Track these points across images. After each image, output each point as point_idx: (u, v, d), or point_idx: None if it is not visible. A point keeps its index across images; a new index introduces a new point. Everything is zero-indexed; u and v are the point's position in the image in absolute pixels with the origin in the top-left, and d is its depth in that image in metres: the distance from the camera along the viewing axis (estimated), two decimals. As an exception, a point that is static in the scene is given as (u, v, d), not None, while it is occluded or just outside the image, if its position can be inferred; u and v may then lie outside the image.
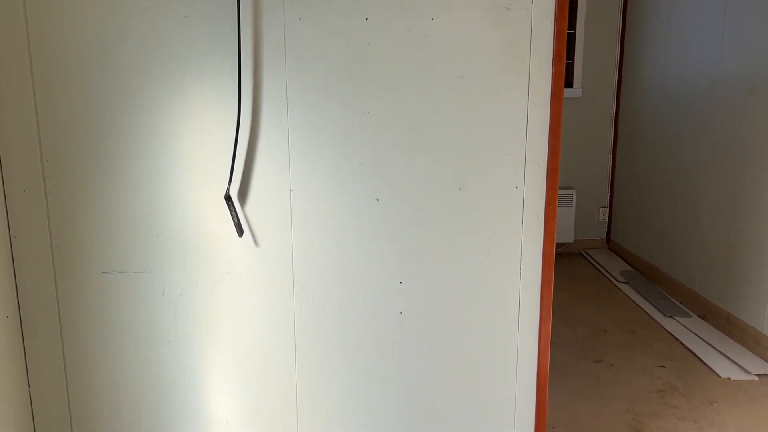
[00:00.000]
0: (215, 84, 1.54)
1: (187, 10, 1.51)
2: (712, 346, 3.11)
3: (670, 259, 3.96)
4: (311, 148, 1.59)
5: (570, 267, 4.50)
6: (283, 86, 1.55)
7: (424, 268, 1.67)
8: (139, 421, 1.71)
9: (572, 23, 4.63)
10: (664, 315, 3.54)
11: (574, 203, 4.76)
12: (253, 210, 1.61)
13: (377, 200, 1.63)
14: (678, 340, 3.22)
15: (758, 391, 2.68)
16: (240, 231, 1.59)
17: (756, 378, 2.79)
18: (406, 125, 1.59)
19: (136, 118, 1.54)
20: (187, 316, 1.66)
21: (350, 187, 1.62)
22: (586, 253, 4.84)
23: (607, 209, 4.92)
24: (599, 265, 4.50)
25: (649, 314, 3.59)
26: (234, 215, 1.58)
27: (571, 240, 4.78)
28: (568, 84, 4.72)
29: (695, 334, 3.28)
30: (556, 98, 1.59)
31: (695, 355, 3.04)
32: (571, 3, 4.52)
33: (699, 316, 3.53)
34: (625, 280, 4.16)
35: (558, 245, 4.86)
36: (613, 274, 4.30)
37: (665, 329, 3.37)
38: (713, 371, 2.87)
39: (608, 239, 4.95)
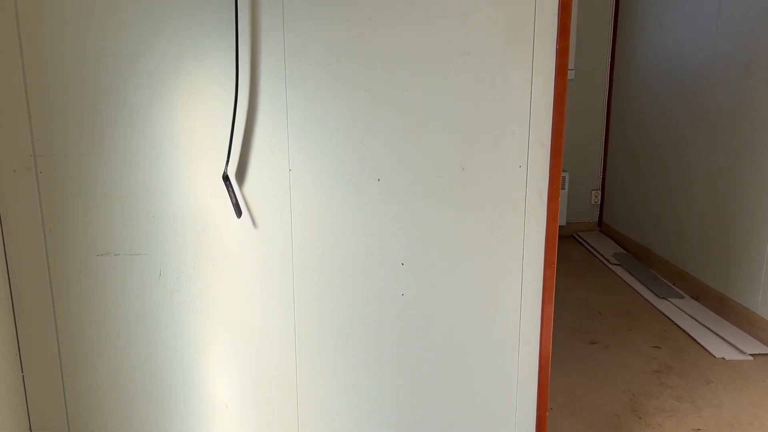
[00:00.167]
0: (212, 60, 1.49)
1: (181, -17, 1.46)
2: (706, 327, 3.12)
3: (662, 241, 3.97)
4: (311, 126, 1.55)
5: (562, 249, 4.50)
6: (281, 62, 1.51)
7: (425, 249, 1.64)
8: (135, 407, 1.68)
9: (565, 4, 4.58)
10: (658, 296, 3.55)
11: (566, 186, 4.76)
12: (252, 190, 1.57)
13: (378, 180, 1.60)
14: (672, 321, 3.23)
15: (753, 370, 2.70)
16: (238, 212, 1.55)
17: (750, 358, 2.80)
18: (408, 103, 1.56)
19: (130, 97, 1.50)
20: (184, 300, 1.62)
21: (351, 166, 1.58)
22: (578, 235, 4.84)
23: (600, 192, 4.92)
24: (592, 247, 4.51)
25: (642, 296, 3.60)
26: (232, 196, 1.54)
27: (563, 223, 4.78)
28: (561, 66, 4.69)
29: (689, 315, 3.29)
30: (560, 75, 1.56)
31: (690, 335, 3.05)
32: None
33: (692, 297, 3.54)
34: (618, 262, 4.16)
35: (550, 228, 4.84)
36: (605, 256, 4.30)
37: (659, 310, 3.38)
38: (708, 351, 2.88)
39: (600, 222, 4.96)
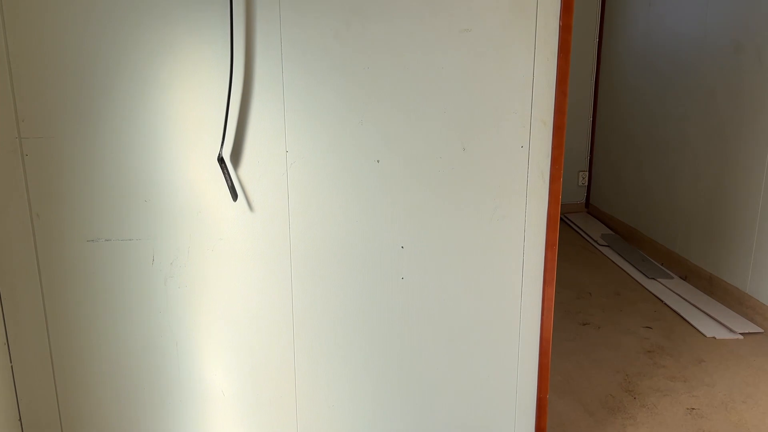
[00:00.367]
0: (206, 38, 1.43)
1: (172, -44, 1.40)
2: (696, 307, 3.14)
3: (651, 221, 3.98)
4: (308, 106, 1.50)
5: (551, 231, 4.49)
6: (277, 40, 1.45)
7: (426, 232, 1.61)
8: (129, 396, 1.63)
9: (553, -16, 4.54)
10: (647, 277, 3.57)
11: (554, 167, 4.74)
12: (247, 173, 1.53)
13: (377, 161, 1.56)
14: (662, 301, 3.25)
15: (744, 349, 2.72)
16: (234, 195, 1.50)
17: (741, 337, 2.83)
18: (408, 82, 1.51)
19: (120, 75, 1.43)
20: (178, 285, 1.58)
21: (349, 147, 1.54)
22: (565, 217, 4.84)
23: (587, 173, 4.92)
24: (579, 228, 4.51)
25: (632, 276, 3.61)
26: (227, 178, 1.49)
27: (551, 204, 4.78)
28: (549, 46, 4.65)
29: (678, 295, 3.31)
30: (563, 52, 1.53)
31: (680, 315, 3.07)
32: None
33: (681, 277, 3.56)
34: (606, 243, 4.18)
35: (538, 210, 4.84)
36: (593, 237, 4.31)
37: (649, 291, 3.39)
38: (699, 331, 2.90)
39: (587, 203, 4.96)
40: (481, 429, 1.76)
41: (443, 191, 1.59)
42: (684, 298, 3.25)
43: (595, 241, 4.24)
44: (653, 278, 3.54)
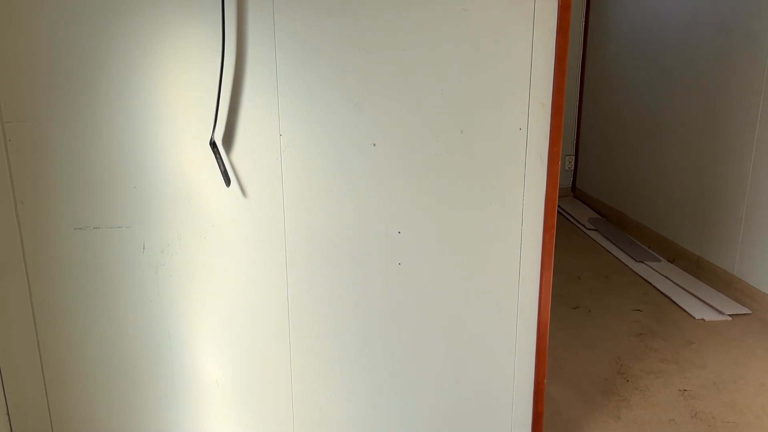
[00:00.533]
0: (196, 18, 1.38)
1: (159, -69, 1.34)
2: (685, 289, 3.16)
3: (637, 205, 4.00)
4: (302, 88, 1.46)
5: (538, 216, 4.49)
6: (270, 19, 1.41)
7: (423, 216, 1.58)
8: (120, 388, 1.59)
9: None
10: (635, 260, 3.58)
11: (541, 152, 4.73)
12: (240, 157, 1.48)
13: (374, 145, 1.52)
14: (651, 284, 3.26)
15: (733, 330, 2.74)
16: (227, 180, 1.46)
17: (729, 318, 2.85)
18: (405, 63, 1.48)
19: (107, 56, 1.38)
20: (170, 274, 1.54)
21: (345, 131, 1.50)
22: (552, 201, 4.84)
23: (573, 158, 4.92)
24: (566, 213, 4.52)
25: (620, 260, 3.62)
26: (220, 163, 1.44)
27: (538, 189, 4.77)
28: (535, 30, 4.62)
29: (667, 277, 3.32)
30: (562, 31, 1.50)
31: (669, 298, 3.09)
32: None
33: (668, 260, 3.58)
34: (593, 227, 4.19)
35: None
36: (581, 221, 4.32)
37: (637, 274, 3.40)
38: (688, 313, 2.91)
39: (574, 188, 4.97)
40: (478, 414, 1.75)
41: (441, 175, 1.56)
42: (672, 281, 3.27)
43: (583, 225, 4.24)
44: (641, 261, 3.56)
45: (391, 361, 1.67)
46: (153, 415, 1.62)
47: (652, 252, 3.71)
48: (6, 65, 1.36)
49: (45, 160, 1.42)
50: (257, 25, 1.41)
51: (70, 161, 1.43)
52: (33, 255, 1.48)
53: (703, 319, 2.85)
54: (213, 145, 1.43)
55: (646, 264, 3.52)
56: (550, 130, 1.56)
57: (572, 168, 4.94)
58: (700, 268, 3.30)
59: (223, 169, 1.45)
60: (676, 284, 3.23)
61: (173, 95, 1.42)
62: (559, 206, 4.68)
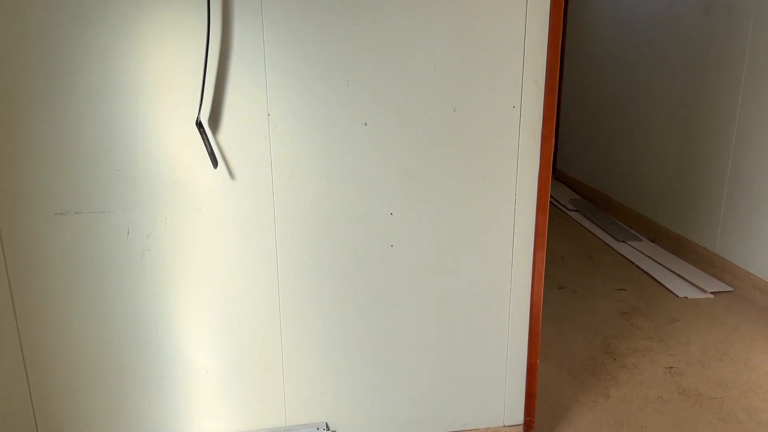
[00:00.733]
0: (178, -9, 1.33)
1: None
2: (666, 268, 3.19)
3: (619, 185, 4.02)
4: (291, 66, 1.42)
5: (519, 197, 4.50)
6: (257, -6, 1.36)
7: (415, 197, 1.55)
8: (106, 378, 1.55)
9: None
10: (617, 240, 3.60)
11: (521, 133, 4.73)
12: (228, 138, 1.43)
13: (365, 124, 1.48)
14: (633, 263, 3.29)
15: (715, 308, 2.77)
16: (214, 162, 1.41)
17: (711, 296, 2.88)
18: (396, 39, 1.44)
19: (88, 34, 1.32)
20: (156, 259, 1.49)
21: (335, 109, 1.46)
22: (533, 183, 4.85)
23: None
24: (548, 194, 4.53)
25: (602, 240, 3.64)
26: (207, 144, 1.40)
27: (519, 170, 4.78)
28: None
29: (649, 257, 3.35)
30: (555, 7, 1.47)
31: (652, 277, 3.11)
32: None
33: (650, 239, 3.61)
34: (575, 208, 4.20)
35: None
36: (562, 202, 4.33)
37: (620, 254, 3.43)
38: (671, 291, 2.94)
39: (554, 169, 4.98)
40: (472, 395, 1.74)
41: (433, 154, 1.53)
42: (654, 260, 3.30)
43: (564, 207, 4.26)
44: (623, 241, 3.58)
45: (384, 344, 1.65)
46: (140, 405, 1.58)
47: (633, 232, 3.74)
48: (-22, 42, 1.29)
49: (23, 143, 1.35)
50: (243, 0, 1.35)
51: (49, 143, 1.36)
52: (11, 243, 1.41)
53: (686, 297, 2.88)
54: (199, 125, 1.38)
55: (629, 244, 3.55)
56: (544, 108, 1.54)
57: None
58: (681, 247, 3.33)
59: (209, 151, 1.40)
60: (659, 263, 3.25)
61: (157, 72, 1.36)
62: (540, 188, 4.68)
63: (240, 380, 1.61)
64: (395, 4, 1.41)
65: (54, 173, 1.39)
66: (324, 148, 1.48)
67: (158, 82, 1.37)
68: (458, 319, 1.66)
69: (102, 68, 1.34)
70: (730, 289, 2.92)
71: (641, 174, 3.74)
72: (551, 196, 4.46)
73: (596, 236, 3.71)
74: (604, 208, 4.18)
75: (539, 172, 1.59)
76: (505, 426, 1.78)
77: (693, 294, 2.90)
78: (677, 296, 2.89)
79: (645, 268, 3.20)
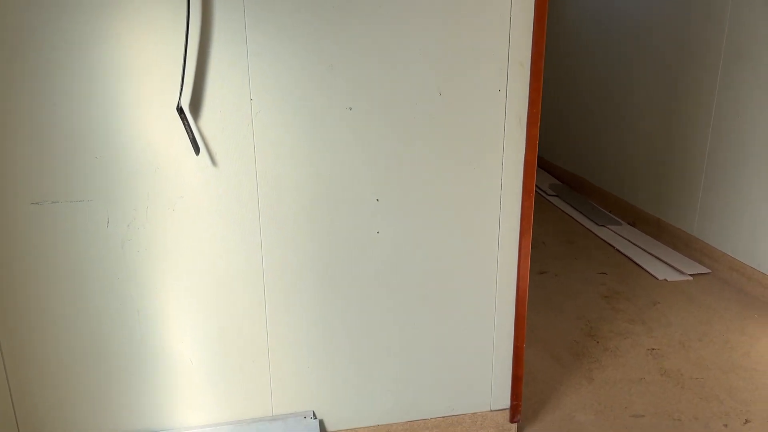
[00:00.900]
0: (156, -29, 1.29)
1: None
2: (646, 251, 3.22)
3: (598, 170, 4.04)
4: (273, 49, 1.38)
5: (500, 183, 4.51)
6: (238, -25, 1.32)
7: (401, 183, 1.53)
8: (88, 372, 1.51)
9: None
10: (597, 224, 3.63)
11: (501, 119, 4.73)
12: (210, 123, 1.40)
13: (349, 109, 1.46)
14: (613, 247, 3.32)
15: (694, 289, 2.81)
16: (196, 148, 1.38)
17: (690, 278, 2.92)
18: (381, 22, 1.41)
19: (64, 19, 1.27)
20: (137, 249, 1.45)
21: (319, 94, 1.43)
22: (513, 168, 4.86)
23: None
24: (528, 179, 4.54)
25: (582, 224, 3.67)
26: (188, 130, 1.36)
27: (498, 156, 4.79)
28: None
29: (628, 240, 3.38)
30: (541, -10, 1.46)
31: (632, 260, 3.14)
32: None
33: (629, 223, 3.64)
34: (555, 193, 4.22)
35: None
36: (542, 188, 4.35)
37: (600, 238, 3.45)
38: (651, 274, 2.97)
39: (533, 154, 5.00)
40: (459, 380, 1.74)
41: (419, 139, 1.51)
42: (634, 243, 3.33)
43: (544, 192, 4.28)
44: (603, 225, 3.61)
45: (370, 330, 1.64)
46: (123, 398, 1.55)
47: (613, 216, 3.77)
48: (-54, 25, 1.24)
49: (-5, 129, 1.31)
50: (224, -18, 1.32)
51: (23, 129, 1.32)
52: (-14, 233, 1.37)
53: (665, 280, 2.91)
54: (180, 110, 1.35)
55: (608, 228, 3.58)
56: (529, 91, 1.53)
57: (532, 135, 4.95)
58: (660, 230, 3.37)
59: (191, 137, 1.37)
60: (638, 246, 3.29)
61: (135, 56, 1.32)
62: (519, 173, 4.70)
63: (225, 370, 1.59)
64: (379, -14, 1.39)
65: (30, 161, 1.34)
66: (308, 133, 1.45)
67: (138, 66, 1.33)
68: (445, 304, 1.66)
69: (79, 53, 1.29)
70: (708, 271, 2.97)
71: (620, 159, 3.77)
72: (531, 181, 4.49)
73: (576, 221, 3.74)
74: (583, 193, 4.20)
75: (525, 156, 1.58)
76: (491, 410, 1.78)
77: (673, 276, 2.94)
78: (657, 279, 2.92)
79: (625, 252, 3.23)
